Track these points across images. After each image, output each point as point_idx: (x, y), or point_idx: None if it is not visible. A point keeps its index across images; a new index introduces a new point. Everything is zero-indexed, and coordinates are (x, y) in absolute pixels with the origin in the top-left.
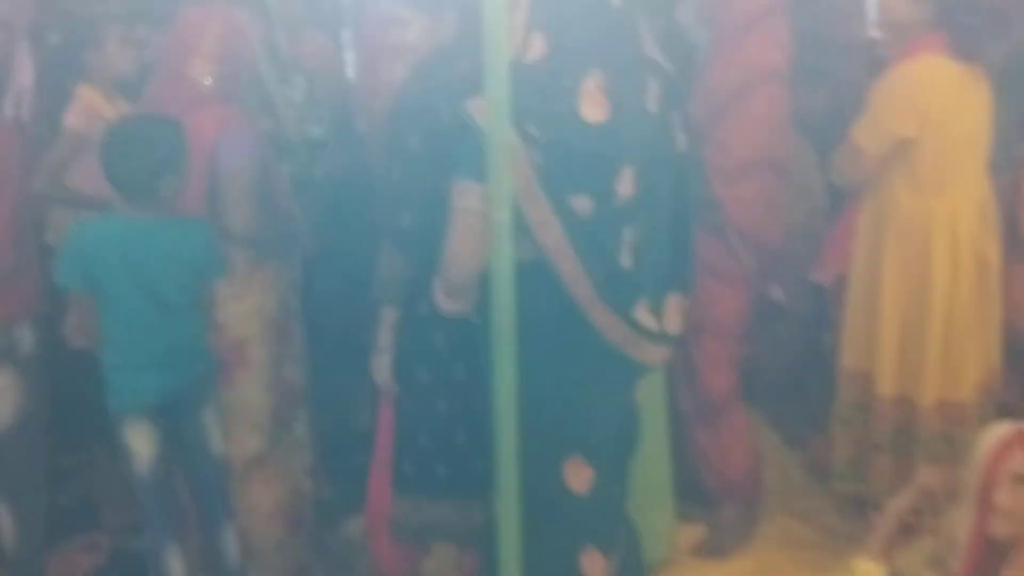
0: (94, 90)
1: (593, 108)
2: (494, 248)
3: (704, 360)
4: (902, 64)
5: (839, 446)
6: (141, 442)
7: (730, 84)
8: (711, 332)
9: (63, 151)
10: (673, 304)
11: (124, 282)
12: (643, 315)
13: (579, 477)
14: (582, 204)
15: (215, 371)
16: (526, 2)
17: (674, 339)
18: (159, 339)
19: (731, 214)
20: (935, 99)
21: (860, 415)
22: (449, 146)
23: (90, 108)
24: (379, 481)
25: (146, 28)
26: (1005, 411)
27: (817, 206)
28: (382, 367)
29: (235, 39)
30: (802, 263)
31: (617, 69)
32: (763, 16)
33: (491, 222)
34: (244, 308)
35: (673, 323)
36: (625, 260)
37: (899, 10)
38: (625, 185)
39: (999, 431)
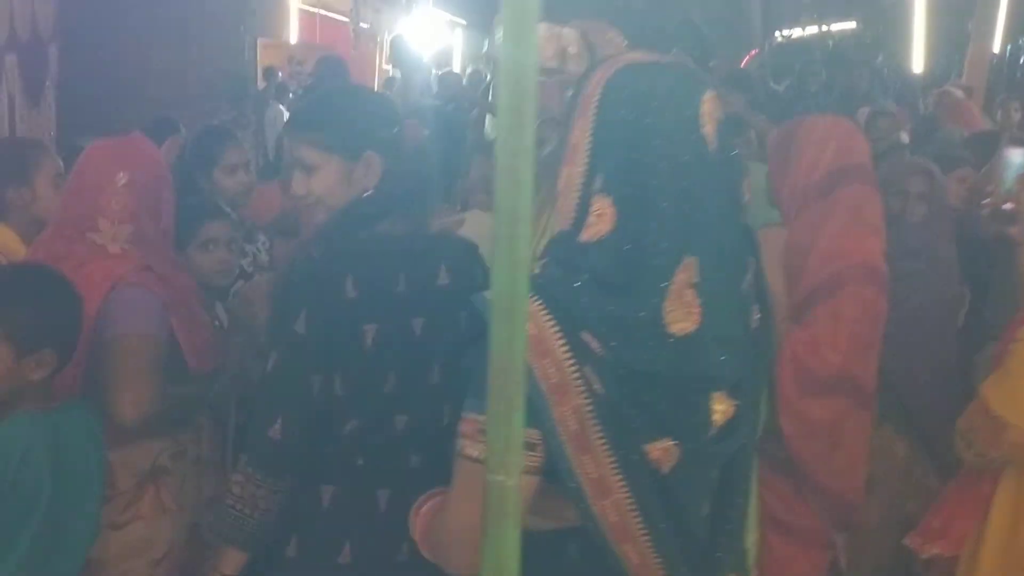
0: (10, 230)
1: (682, 313)
2: (491, 529)
3: None
4: None
5: None
6: None
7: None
8: None
9: None
10: None
11: None
12: None
13: None
14: (663, 453)
15: None
16: (584, 148)
17: None
18: None
19: (796, 447)
20: None
21: None
22: (347, 337)
23: (3, 252)
24: None
25: None
26: None
27: None
28: None
29: (150, 186)
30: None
31: (715, 251)
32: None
33: (490, 487)
34: (124, 541)
35: None
36: (704, 507)
37: None
38: (720, 412)
39: None
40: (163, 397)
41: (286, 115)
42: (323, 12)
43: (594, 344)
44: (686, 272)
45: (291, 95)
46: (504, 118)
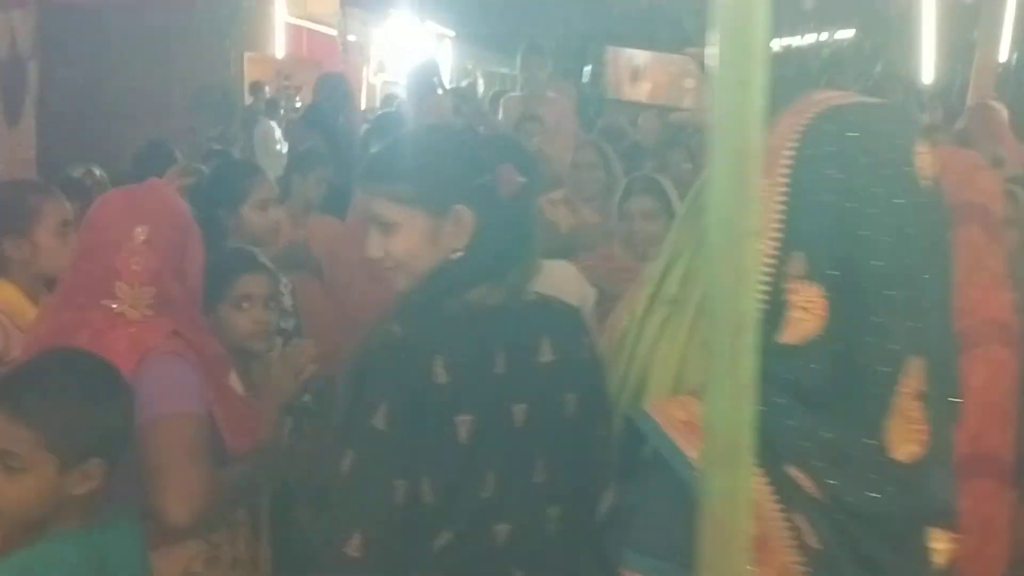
0: (12, 287)
1: (908, 433)
2: None
3: None
4: None
5: None
6: None
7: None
8: None
9: None
10: None
11: None
12: None
13: None
14: None
15: None
16: (772, 219)
17: None
18: None
19: None
20: None
21: None
22: (437, 431)
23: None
24: None
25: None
26: None
27: None
28: None
29: (174, 241)
30: None
31: (941, 348)
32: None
33: None
34: None
35: None
36: None
37: None
38: (942, 554)
39: None
40: (213, 487)
41: (277, 132)
42: (310, 25)
43: (805, 482)
44: (913, 379)
45: (281, 111)
46: (721, 185)
